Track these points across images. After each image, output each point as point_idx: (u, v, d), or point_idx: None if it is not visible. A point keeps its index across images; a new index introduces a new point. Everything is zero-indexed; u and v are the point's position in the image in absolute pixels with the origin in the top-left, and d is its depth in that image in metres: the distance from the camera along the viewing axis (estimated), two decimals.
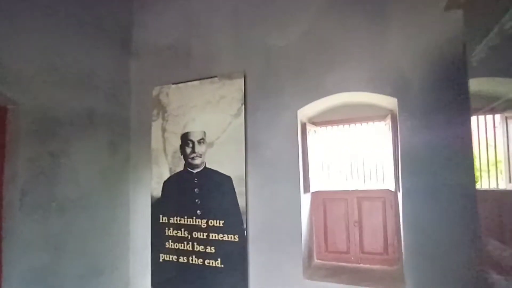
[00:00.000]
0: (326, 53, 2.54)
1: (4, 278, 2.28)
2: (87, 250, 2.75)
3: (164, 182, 2.92)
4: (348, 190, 2.94)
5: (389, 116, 2.61)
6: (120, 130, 3.15)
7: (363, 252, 2.87)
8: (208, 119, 2.80)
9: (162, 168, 2.94)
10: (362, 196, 2.88)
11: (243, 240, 2.60)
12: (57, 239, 2.52)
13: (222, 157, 2.71)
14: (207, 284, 2.70)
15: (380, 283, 2.44)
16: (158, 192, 2.94)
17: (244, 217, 2.61)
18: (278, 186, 2.62)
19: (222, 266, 2.65)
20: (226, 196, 2.67)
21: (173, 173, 2.89)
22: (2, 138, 2.29)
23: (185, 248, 2.79)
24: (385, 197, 2.80)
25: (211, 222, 2.71)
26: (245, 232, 2.60)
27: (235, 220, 2.64)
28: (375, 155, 2.90)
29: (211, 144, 2.77)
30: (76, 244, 2.65)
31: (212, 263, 2.68)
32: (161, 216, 2.91)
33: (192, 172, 2.81)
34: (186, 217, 2.80)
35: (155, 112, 3.04)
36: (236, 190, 2.64)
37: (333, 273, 2.69)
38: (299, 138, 2.65)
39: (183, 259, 2.79)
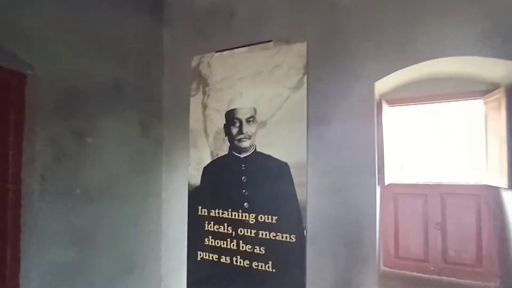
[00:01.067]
0: (414, 3, 1.97)
1: (22, 274, 1.91)
2: (115, 245, 2.36)
3: (204, 168, 2.47)
4: (429, 184, 2.39)
5: (501, 91, 2.01)
6: (152, 107, 2.72)
7: (446, 262, 2.33)
8: (259, 93, 2.30)
9: (202, 152, 2.49)
10: (448, 192, 2.32)
11: (301, 241, 2.12)
12: (82, 232, 2.13)
13: (277, 140, 2.22)
14: None
15: None
16: (196, 180, 2.50)
17: (303, 214, 2.13)
18: (348, 176, 2.10)
19: (274, 270, 2.19)
20: (281, 187, 2.19)
21: (215, 158, 2.44)
22: (20, 112, 1.90)
23: (228, 247, 2.35)
24: (481, 195, 2.23)
25: (261, 218, 2.24)
26: (304, 231, 2.12)
27: (292, 217, 2.16)
28: (468, 141, 2.32)
29: (263, 124, 2.28)
30: (103, 238, 2.27)
31: (262, 266, 2.23)
32: (200, 207, 2.47)
33: (239, 156, 2.34)
34: (230, 210, 2.35)
35: (194, 85, 2.58)
36: (294, 180, 2.15)
37: (407, 286, 2.18)
38: (375, 118, 2.11)
39: (225, 259, 2.36)
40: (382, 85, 2.27)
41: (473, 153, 2.30)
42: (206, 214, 2.44)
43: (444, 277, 2.31)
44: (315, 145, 2.17)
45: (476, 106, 2.27)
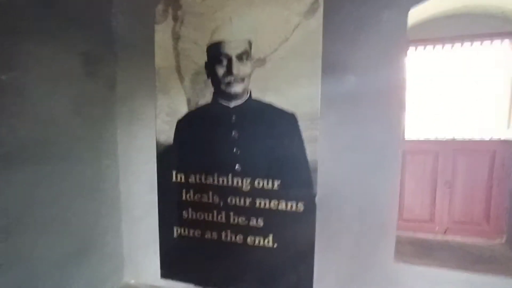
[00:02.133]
0: None
1: None
2: (60, 223, 1.73)
3: (179, 121, 1.86)
4: (442, 140, 2.12)
5: None
6: (101, 35, 1.96)
7: (453, 221, 2.16)
8: (257, 19, 1.70)
9: (176, 100, 1.86)
10: (461, 148, 2.09)
11: (311, 209, 1.73)
12: (9, 211, 1.46)
13: (281, 83, 1.69)
14: (250, 271, 1.85)
15: (497, 265, 1.77)
16: (168, 137, 1.89)
17: (313, 177, 1.71)
18: (369, 129, 1.71)
19: (274, 246, 1.80)
20: (285, 144, 1.72)
21: (194, 108, 1.83)
22: None
23: (215, 220, 1.87)
24: (496, 151, 2.03)
25: (258, 183, 1.78)
26: (316, 198, 1.72)
27: (300, 181, 1.73)
28: (492, 90, 2.06)
29: (261, 61, 1.72)
30: (41, 216, 1.63)
31: (259, 241, 1.81)
32: (174, 173, 1.90)
33: (227, 106, 1.78)
34: (217, 174, 1.83)
35: (160, 8, 1.86)
36: (303, 135, 1.69)
37: (421, 250, 1.97)
38: (404, 58, 1.69)
39: (211, 235, 1.89)
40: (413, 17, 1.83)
41: (496, 104, 2.05)
42: (183, 180, 1.89)
43: (450, 237, 2.16)
44: (332, 91, 1.70)
45: (505, 49, 1.99)
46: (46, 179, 1.65)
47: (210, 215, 1.88)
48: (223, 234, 1.87)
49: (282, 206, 1.76)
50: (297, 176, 1.73)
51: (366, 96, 1.70)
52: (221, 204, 1.85)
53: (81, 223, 1.88)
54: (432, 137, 2.15)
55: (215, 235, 1.89)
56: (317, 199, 1.72)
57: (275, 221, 1.79)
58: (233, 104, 1.77)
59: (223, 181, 1.83)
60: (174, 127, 1.87)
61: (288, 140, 1.72)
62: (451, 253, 1.96)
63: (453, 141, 2.10)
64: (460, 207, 2.14)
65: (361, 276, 1.83)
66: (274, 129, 1.73)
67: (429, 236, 2.17)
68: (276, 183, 1.75)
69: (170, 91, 1.87)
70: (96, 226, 1.99)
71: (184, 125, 1.86)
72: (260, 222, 1.80)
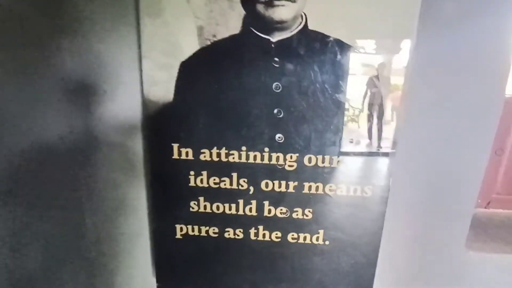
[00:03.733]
0: None
1: None
2: None
3: (184, 65, 1.14)
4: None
5: None
6: None
7: (496, 193, 1.89)
8: None
9: (177, 29, 1.12)
10: None
11: (381, 195, 1.25)
12: None
13: (356, 8, 1.07)
14: (290, 276, 1.36)
15: None
16: (165, 91, 1.17)
17: (390, 150, 1.20)
18: (466, 85, 1.22)
19: (326, 243, 1.31)
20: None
21: (210, 42, 1.12)
22: None
23: (240, 213, 1.29)
24: None
25: (309, 160, 1.21)
26: (390, 180, 1.23)
27: (368, 156, 1.22)
28: None
29: None
30: None
31: (305, 238, 1.31)
32: (176, 147, 1.23)
33: (267, 39, 1.11)
34: (245, 148, 1.21)
35: None
36: (382, 93, 1.14)
37: (477, 230, 1.67)
38: None
39: (234, 234, 1.32)
40: None
41: None
42: (190, 157, 1.24)
43: (492, 211, 1.91)
44: (429, 23, 1.13)
45: None
46: None
47: (234, 206, 1.29)
48: (253, 231, 1.31)
49: (342, 191, 1.24)
50: (366, 151, 1.21)
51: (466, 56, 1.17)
52: (251, 190, 1.26)
53: None
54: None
55: (239, 233, 1.32)
56: (391, 181, 1.23)
57: (329, 211, 1.28)
58: (276, 37, 1.11)
59: (255, 157, 1.22)
60: (176, 75, 1.16)
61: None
62: (507, 231, 1.70)
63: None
64: (505, 177, 1.86)
65: (427, 267, 1.47)
66: (340, 81, 1.13)
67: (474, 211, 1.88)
68: (336, 160, 1.21)
69: (166, 12, 1.12)
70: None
71: (192, 71, 1.15)
72: (308, 214, 1.28)
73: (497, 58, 1.20)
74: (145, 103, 1.18)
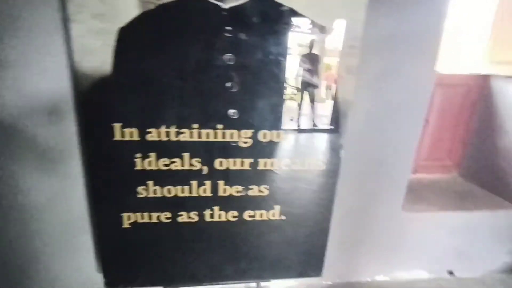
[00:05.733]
0: None
1: None
2: None
3: (123, 31, 0.99)
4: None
5: None
6: None
7: (423, 159, 2.13)
8: None
9: None
10: (439, 83, 1.95)
11: (334, 167, 1.29)
12: None
13: None
14: (248, 253, 1.35)
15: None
16: (101, 62, 1.01)
17: (342, 121, 1.24)
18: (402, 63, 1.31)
19: (283, 218, 1.32)
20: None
21: (154, 6, 0.99)
22: None
23: (194, 194, 1.22)
24: (471, 86, 1.98)
25: (264, 136, 1.19)
26: (341, 151, 1.27)
27: (322, 129, 1.24)
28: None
29: None
30: None
31: (261, 215, 1.30)
32: (118, 127, 1.08)
33: (217, 5, 1.02)
34: (198, 125, 1.13)
35: None
36: (318, 69, 1.15)
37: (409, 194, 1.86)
38: None
39: (188, 217, 1.25)
40: None
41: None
42: (135, 138, 1.11)
43: (420, 176, 2.14)
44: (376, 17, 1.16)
45: None
46: None
47: (187, 188, 1.21)
48: (208, 212, 1.26)
49: (297, 165, 1.25)
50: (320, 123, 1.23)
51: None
52: (205, 170, 1.19)
53: None
54: None
55: (194, 215, 1.25)
56: (342, 152, 1.27)
57: (284, 186, 1.28)
58: (228, 3, 1.02)
59: (207, 135, 1.15)
60: (114, 43, 1.00)
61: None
62: (433, 192, 1.93)
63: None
64: (429, 145, 2.10)
65: (371, 230, 1.59)
66: (288, 54, 1.11)
67: None
68: (289, 135, 1.20)
69: None
70: None
71: (133, 39, 1.01)
72: (264, 191, 1.26)
73: (428, 38, 1.30)
74: (77, 75, 1.01)
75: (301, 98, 1.26)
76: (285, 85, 1.15)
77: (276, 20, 1.05)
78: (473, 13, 2.02)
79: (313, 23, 1.11)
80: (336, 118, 1.24)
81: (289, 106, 1.22)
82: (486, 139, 2.01)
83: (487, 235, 1.79)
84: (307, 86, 1.24)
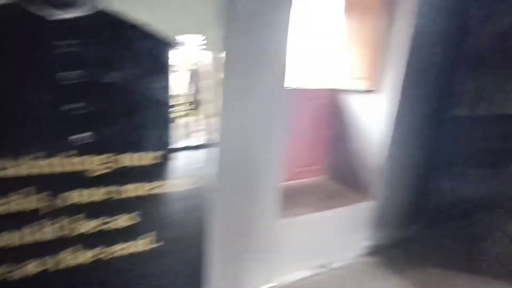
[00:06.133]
0: None
1: None
2: None
3: None
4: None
5: None
6: None
7: (296, 166, 2.37)
8: None
9: None
10: (302, 97, 2.23)
11: (208, 184, 1.29)
12: None
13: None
14: None
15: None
16: None
17: (214, 137, 1.26)
18: (263, 75, 1.44)
19: (160, 244, 1.24)
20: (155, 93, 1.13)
21: None
22: None
23: (46, 237, 1.02)
24: (326, 99, 2.34)
25: (130, 159, 1.10)
26: (213, 167, 1.29)
27: (189, 146, 1.23)
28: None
29: None
30: None
31: (130, 248, 1.19)
32: None
33: (47, 20, 0.90)
34: (43, 154, 0.96)
35: None
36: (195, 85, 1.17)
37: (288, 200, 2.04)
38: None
39: (42, 265, 1.04)
40: None
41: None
42: None
43: (295, 181, 2.36)
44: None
45: None
46: None
47: (27, 233, 1.00)
48: (66, 255, 1.07)
49: (169, 186, 1.20)
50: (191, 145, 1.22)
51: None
52: (50, 207, 1.02)
53: None
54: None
55: (49, 262, 1.05)
56: (215, 167, 1.29)
57: (157, 211, 1.21)
58: (58, 15, 0.92)
59: (56, 165, 0.99)
60: None
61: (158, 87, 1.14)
62: (307, 196, 2.15)
63: (296, 90, 2.17)
64: (301, 153, 2.36)
65: (252, 241, 1.65)
66: (142, 67, 1.07)
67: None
68: (158, 156, 1.15)
69: None
70: None
71: None
72: (135, 218, 1.16)
73: (276, 58, 1.47)
74: None
75: (171, 116, 1.20)
76: (151, 102, 1.10)
77: (118, 35, 1.00)
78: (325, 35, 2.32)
79: (167, 37, 1.08)
80: (208, 134, 1.25)
81: (157, 124, 1.16)
82: (343, 144, 2.37)
83: (350, 226, 2.09)
84: (180, 103, 1.20)
